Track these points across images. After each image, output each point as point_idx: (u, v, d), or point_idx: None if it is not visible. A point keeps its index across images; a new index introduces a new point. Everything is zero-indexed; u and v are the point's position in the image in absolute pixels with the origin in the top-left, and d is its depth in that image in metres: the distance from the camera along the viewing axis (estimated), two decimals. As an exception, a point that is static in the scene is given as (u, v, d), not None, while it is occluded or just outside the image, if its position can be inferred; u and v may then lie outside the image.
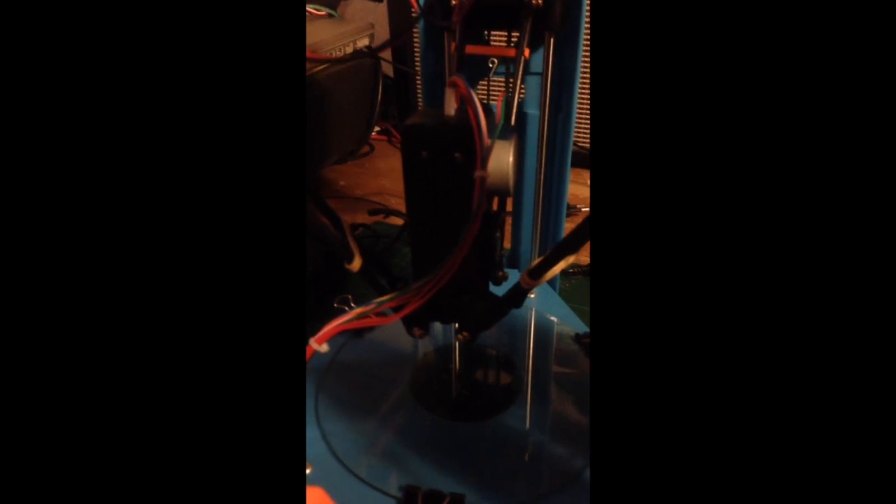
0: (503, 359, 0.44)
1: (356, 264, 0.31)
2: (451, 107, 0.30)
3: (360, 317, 0.30)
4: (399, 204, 0.78)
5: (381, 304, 0.30)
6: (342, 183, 0.86)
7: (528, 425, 0.38)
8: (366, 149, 0.96)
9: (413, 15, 0.89)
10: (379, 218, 0.72)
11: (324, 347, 0.30)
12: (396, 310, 0.30)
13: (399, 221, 0.71)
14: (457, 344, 0.44)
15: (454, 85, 0.29)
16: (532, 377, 0.42)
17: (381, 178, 0.88)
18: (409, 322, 0.34)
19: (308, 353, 0.30)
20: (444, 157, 0.29)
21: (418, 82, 0.95)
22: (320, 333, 0.30)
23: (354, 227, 0.68)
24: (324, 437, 0.36)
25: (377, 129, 0.99)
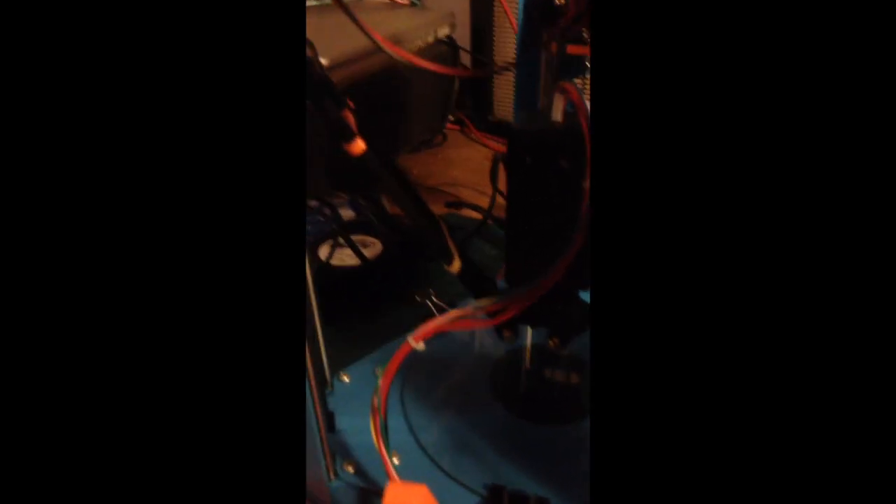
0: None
1: (456, 266, 0.32)
2: (558, 112, 0.30)
3: (457, 319, 0.30)
4: (472, 196, 0.78)
5: (478, 308, 0.30)
6: (415, 172, 0.87)
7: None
8: (439, 138, 0.97)
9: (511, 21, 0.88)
10: (451, 209, 0.72)
11: (420, 345, 0.31)
12: (493, 314, 0.31)
13: (473, 214, 0.71)
14: (529, 343, 0.44)
15: (564, 91, 0.29)
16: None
17: (453, 168, 0.88)
18: (499, 325, 0.34)
19: (405, 350, 0.31)
20: (550, 163, 0.29)
21: (495, 72, 0.94)
22: (418, 332, 0.31)
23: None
24: (410, 428, 0.37)
25: (451, 118, 0.99)
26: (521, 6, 0.39)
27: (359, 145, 0.26)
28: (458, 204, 0.72)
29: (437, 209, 0.73)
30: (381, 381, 0.31)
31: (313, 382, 0.31)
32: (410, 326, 0.48)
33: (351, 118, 0.28)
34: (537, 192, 0.30)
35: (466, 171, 0.87)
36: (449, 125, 1.00)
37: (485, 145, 0.96)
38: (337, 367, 0.49)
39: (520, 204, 0.31)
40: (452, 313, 0.30)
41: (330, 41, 0.70)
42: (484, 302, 0.30)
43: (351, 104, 0.29)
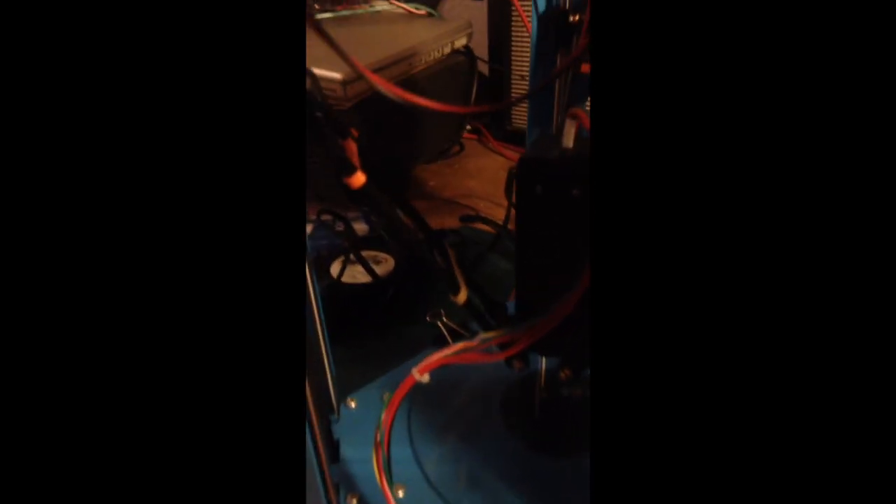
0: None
1: (462, 297, 0.31)
2: (569, 138, 0.29)
3: (463, 351, 0.29)
4: (488, 208, 0.77)
5: (485, 340, 0.29)
6: (432, 183, 0.86)
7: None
8: (456, 148, 0.96)
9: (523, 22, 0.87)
10: (466, 224, 0.71)
11: (425, 378, 0.30)
12: (503, 347, 0.29)
13: (489, 228, 0.70)
14: (543, 367, 0.43)
15: (576, 117, 0.28)
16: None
17: (470, 179, 0.87)
18: (509, 355, 0.33)
19: (409, 383, 0.30)
20: (561, 193, 0.28)
21: (513, 81, 0.93)
22: (422, 364, 0.30)
23: (443, 232, 0.68)
24: (416, 458, 0.36)
25: (468, 127, 0.99)
26: (534, 24, 0.38)
27: (359, 178, 0.25)
28: (473, 218, 0.71)
29: (452, 222, 0.72)
30: (384, 415, 0.30)
31: (313, 410, 0.30)
32: (422, 347, 0.47)
33: (353, 148, 0.27)
34: (548, 222, 0.29)
35: (483, 181, 0.86)
36: (466, 134, 0.99)
37: (502, 155, 0.95)
38: (346, 387, 0.48)
39: (529, 234, 0.30)
40: (458, 345, 0.29)
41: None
42: (492, 334, 0.29)
43: (354, 133, 0.28)
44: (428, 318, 0.46)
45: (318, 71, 0.66)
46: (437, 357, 0.29)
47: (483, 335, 0.29)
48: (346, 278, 0.55)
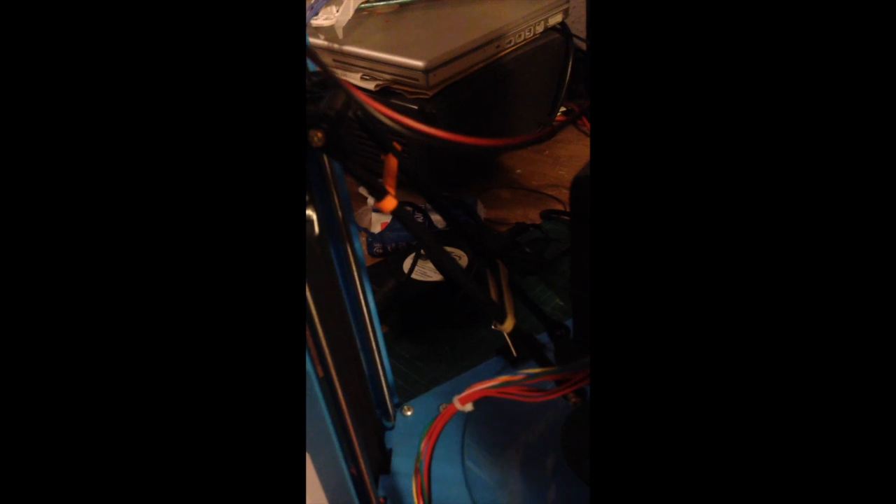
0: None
1: (508, 325, 0.28)
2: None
3: (505, 385, 0.27)
4: (577, 200, 0.72)
5: (532, 376, 0.27)
6: (518, 171, 0.82)
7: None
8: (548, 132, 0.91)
9: None
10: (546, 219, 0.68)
11: (468, 407, 0.28)
12: (559, 384, 0.27)
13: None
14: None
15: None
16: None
17: (560, 167, 0.83)
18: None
19: (450, 412, 0.29)
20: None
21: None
22: (465, 394, 0.28)
23: (524, 226, 0.65)
24: (466, 481, 0.35)
25: (562, 109, 0.93)
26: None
27: (390, 203, 0.23)
28: (556, 212, 0.67)
29: (532, 214, 0.69)
30: (423, 444, 0.28)
31: (350, 424, 0.29)
32: (490, 353, 0.45)
33: (394, 164, 0.25)
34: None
35: (574, 170, 0.81)
36: (560, 117, 0.94)
37: (597, 140, 0.89)
38: (414, 390, 0.47)
39: (584, 258, 0.27)
40: (501, 378, 0.27)
41: (430, 41, 0.68)
42: (540, 370, 0.27)
43: (398, 146, 0.26)
44: (493, 327, 0.44)
45: (399, 59, 0.65)
46: (478, 388, 0.27)
47: (529, 370, 0.27)
48: (417, 275, 0.55)
